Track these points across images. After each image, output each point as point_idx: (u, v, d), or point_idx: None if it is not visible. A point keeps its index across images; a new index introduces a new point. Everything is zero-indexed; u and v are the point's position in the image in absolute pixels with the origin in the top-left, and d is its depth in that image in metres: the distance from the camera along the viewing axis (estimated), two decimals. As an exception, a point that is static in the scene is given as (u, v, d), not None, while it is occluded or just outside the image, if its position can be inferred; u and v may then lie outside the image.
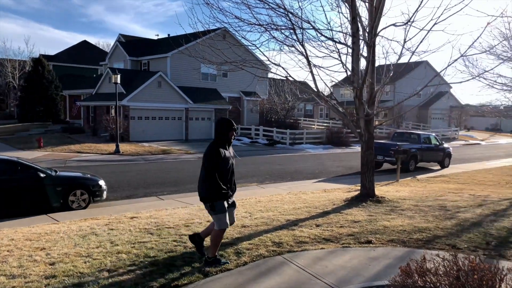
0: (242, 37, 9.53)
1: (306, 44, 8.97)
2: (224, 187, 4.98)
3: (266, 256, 5.58)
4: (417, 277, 3.36)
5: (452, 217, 7.86)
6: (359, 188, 10.16)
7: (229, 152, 5.15)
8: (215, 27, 9.82)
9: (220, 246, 5.41)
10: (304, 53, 8.91)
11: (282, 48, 9.21)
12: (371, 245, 6.07)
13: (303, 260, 5.43)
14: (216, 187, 4.90)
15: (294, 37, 8.76)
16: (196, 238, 5.48)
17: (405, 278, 3.39)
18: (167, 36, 39.41)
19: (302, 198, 10.44)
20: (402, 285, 3.38)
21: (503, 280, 3.03)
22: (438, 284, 3.27)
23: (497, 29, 15.25)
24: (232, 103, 35.52)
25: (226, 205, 5.08)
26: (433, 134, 22.32)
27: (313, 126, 43.20)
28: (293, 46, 8.94)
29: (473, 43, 8.84)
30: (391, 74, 10.04)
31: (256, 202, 9.78)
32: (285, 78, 9.65)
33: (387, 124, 44.20)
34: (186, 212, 8.69)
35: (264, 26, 8.66)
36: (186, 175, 15.67)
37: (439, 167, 19.72)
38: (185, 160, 21.07)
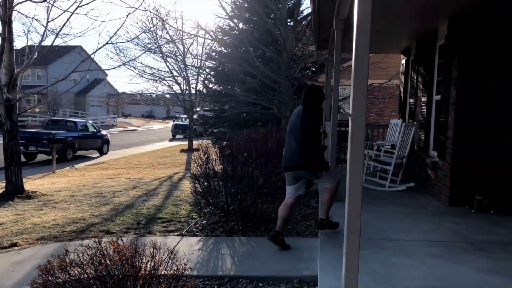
0: None
1: None
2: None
3: None
4: (59, 273, 3.10)
5: (108, 202, 7.99)
6: (5, 185, 8.88)
7: None
8: None
9: None
10: None
11: None
12: (16, 248, 5.34)
13: None
14: (322, 157, 4.71)
15: None
16: (277, 236, 4.82)
17: (47, 277, 3.07)
18: None
19: None
20: (44, 285, 3.05)
21: (142, 254, 3.19)
22: (84, 274, 3.13)
23: (142, 21, 16.66)
24: None
25: None
26: (90, 121, 22.34)
27: None
28: None
29: (116, 31, 9.24)
30: (36, 56, 9.13)
31: None
32: None
33: (42, 111, 41.09)
34: None
35: None
36: None
37: (98, 155, 19.94)
38: None
